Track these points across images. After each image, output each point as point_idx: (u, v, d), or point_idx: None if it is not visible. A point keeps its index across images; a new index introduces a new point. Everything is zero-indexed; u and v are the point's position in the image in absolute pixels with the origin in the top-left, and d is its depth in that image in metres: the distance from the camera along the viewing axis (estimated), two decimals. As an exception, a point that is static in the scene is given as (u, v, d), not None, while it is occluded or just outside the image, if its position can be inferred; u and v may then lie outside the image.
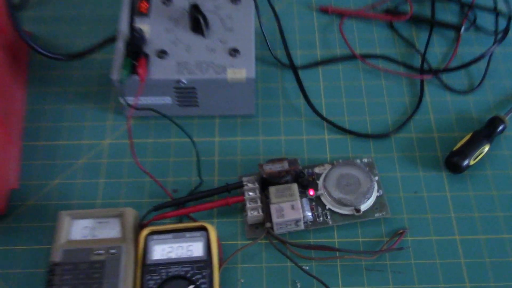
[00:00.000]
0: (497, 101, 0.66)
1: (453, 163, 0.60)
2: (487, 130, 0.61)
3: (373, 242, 0.58)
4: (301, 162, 0.61)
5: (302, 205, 0.58)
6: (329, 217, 0.59)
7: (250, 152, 0.63)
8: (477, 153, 0.60)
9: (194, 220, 0.58)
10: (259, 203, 0.57)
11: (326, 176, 0.60)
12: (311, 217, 0.58)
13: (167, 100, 0.62)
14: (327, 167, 0.61)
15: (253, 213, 0.57)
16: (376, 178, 0.61)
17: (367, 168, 0.61)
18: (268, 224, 0.57)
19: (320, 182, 0.60)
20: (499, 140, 0.64)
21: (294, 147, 0.63)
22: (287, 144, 0.64)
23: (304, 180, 0.59)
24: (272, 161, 0.59)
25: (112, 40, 0.61)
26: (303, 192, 0.60)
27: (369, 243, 0.58)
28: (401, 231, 0.58)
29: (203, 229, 0.54)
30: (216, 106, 0.63)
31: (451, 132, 0.64)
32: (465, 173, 0.62)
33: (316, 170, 0.61)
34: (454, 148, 0.61)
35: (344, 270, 0.56)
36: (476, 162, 0.61)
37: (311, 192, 0.60)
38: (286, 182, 0.58)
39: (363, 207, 0.59)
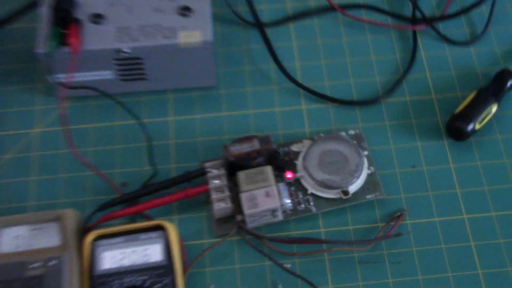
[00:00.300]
0: (504, 51, 0.67)
1: (455, 129, 0.62)
2: (494, 87, 0.62)
3: (366, 230, 0.59)
4: (274, 139, 0.62)
5: (278, 191, 0.58)
6: (312, 204, 0.60)
7: (212, 131, 0.64)
8: (483, 115, 0.61)
9: (149, 219, 0.59)
10: (227, 193, 0.58)
11: (305, 154, 0.60)
12: (290, 204, 0.59)
13: (107, 74, 0.62)
14: (307, 143, 0.62)
15: (220, 205, 0.58)
16: (366, 152, 0.62)
17: (355, 142, 0.62)
18: (239, 217, 0.57)
19: (299, 162, 0.61)
20: (509, 97, 0.65)
21: (265, 122, 0.64)
22: (257, 119, 0.64)
23: (279, 161, 0.60)
24: (240, 140, 0.60)
25: (34, 4, 0.61)
26: (279, 176, 0.61)
27: (362, 230, 0.59)
28: (398, 214, 0.59)
29: (161, 228, 0.54)
30: (168, 78, 0.64)
31: (452, 91, 0.66)
32: (470, 139, 0.63)
33: (294, 148, 0.62)
34: (456, 111, 0.63)
35: (333, 265, 0.57)
36: (482, 126, 0.62)
37: (289, 175, 0.60)
38: (258, 165, 0.59)
39: (352, 188, 0.60)
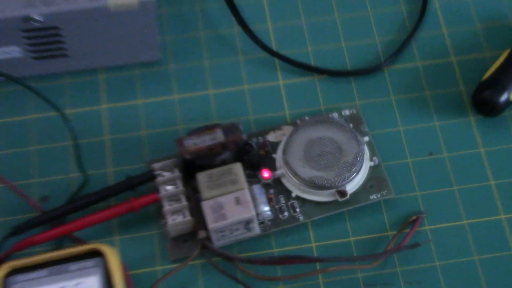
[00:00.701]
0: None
1: (484, 100, 0.62)
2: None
3: (372, 241, 0.60)
4: (244, 127, 0.62)
5: (253, 196, 0.59)
6: (298, 210, 0.61)
7: (160, 121, 0.64)
8: (520, 81, 0.61)
9: (82, 242, 0.59)
10: (184, 202, 0.59)
11: (286, 145, 0.61)
12: (269, 213, 0.60)
13: (14, 52, 0.62)
14: (287, 130, 0.63)
15: (176, 219, 0.58)
16: (367, 139, 0.63)
17: (351, 125, 0.62)
18: (202, 234, 0.58)
19: (278, 157, 0.62)
20: (553, 56, 0.64)
21: (230, 105, 0.65)
22: (219, 101, 0.65)
23: (252, 156, 0.61)
24: (198, 131, 0.60)
25: None
26: (252, 176, 0.62)
27: (366, 243, 0.59)
28: (414, 218, 0.60)
29: (98, 254, 0.54)
30: (97, 53, 0.64)
31: (478, 52, 0.67)
32: (504, 114, 0.64)
33: (270, 137, 0.63)
34: (484, 77, 0.63)
35: (331, 290, 0.57)
36: (520, 95, 0.62)
37: (266, 174, 0.61)
38: (224, 163, 0.59)
39: (350, 187, 0.60)
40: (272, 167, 0.62)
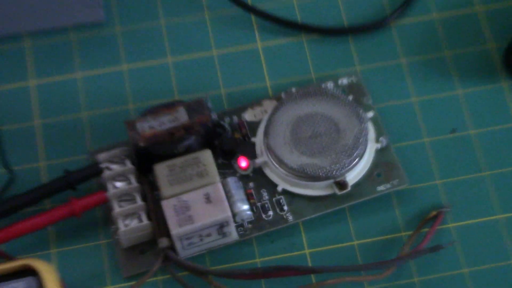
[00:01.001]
0: None
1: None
2: None
3: (381, 244, 0.60)
4: (214, 104, 0.63)
5: (228, 191, 0.59)
6: (286, 208, 0.61)
7: (106, 99, 0.64)
8: None
9: (9, 257, 0.58)
10: (139, 202, 0.59)
11: (269, 125, 0.61)
12: (249, 213, 0.60)
13: None
14: (269, 106, 0.63)
15: (130, 224, 0.58)
16: (371, 114, 0.63)
17: (350, 97, 0.62)
18: (163, 242, 0.58)
19: (258, 140, 0.62)
20: None
21: (195, 76, 0.65)
22: (181, 71, 0.65)
23: (225, 140, 0.62)
24: (155, 111, 0.60)
25: None
26: (226, 166, 0.62)
27: (374, 247, 0.60)
28: (434, 213, 0.60)
29: (30, 272, 0.54)
30: (21, 13, 0.63)
31: (509, -1, 0.67)
32: (546, 77, 0.64)
33: (248, 116, 0.64)
34: (520, 31, 0.64)
35: (332, 308, 0.57)
36: None
37: (243, 163, 0.62)
38: (189, 151, 0.59)
39: (352, 177, 0.61)
40: (251, 154, 0.62)
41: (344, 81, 0.65)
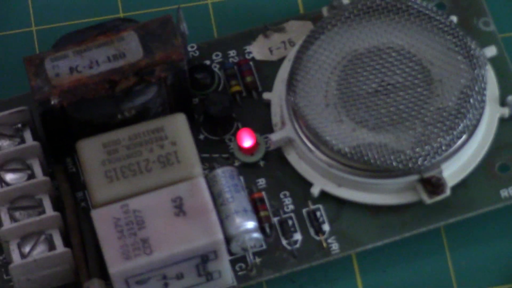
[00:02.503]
0: None
1: None
2: None
3: None
4: (194, 26, 0.53)
5: (219, 194, 0.48)
6: (328, 229, 0.50)
7: None
8: None
9: None
10: (49, 212, 0.50)
11: (297, 68, 0.51)
12: (256, 236, 0.48)
13: None
14: (298, 31, 0.54)
15: (32, 253, 0.48)
16: (493, 52, 0.52)
17: (454, 19, 0.53)
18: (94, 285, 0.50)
19: (276, 98, 0.52)
20: None
21: None
22: None
23: (212, 98, 0.51)
24: (81, 37, 0.49)
25: None
26: (215, 145, 0.52)
27: None
28: None
29: None
30: None
31: None
32: None
33: (256, 51, 0.54)
34: None
35: None
36: None
37: (247, 142, 0.51)
38: (144, 116, 0.50)
39: (453, 171, 0.49)
40: (262, 125, 0.51)
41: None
